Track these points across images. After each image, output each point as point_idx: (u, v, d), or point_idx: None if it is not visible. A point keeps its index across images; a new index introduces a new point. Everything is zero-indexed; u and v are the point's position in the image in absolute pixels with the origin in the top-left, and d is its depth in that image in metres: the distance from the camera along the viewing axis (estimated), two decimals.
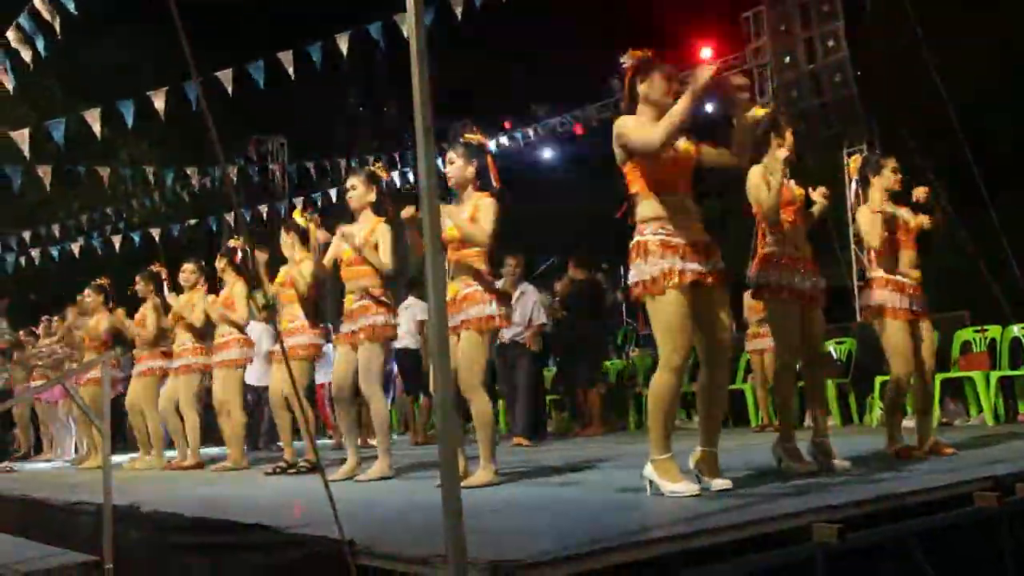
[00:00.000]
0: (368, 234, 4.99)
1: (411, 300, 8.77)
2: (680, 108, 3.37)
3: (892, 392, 4.67)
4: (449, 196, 4.46)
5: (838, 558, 2.68)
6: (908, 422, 5.05)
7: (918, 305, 4.70)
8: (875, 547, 2.88)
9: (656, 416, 3.47)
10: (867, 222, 4.70)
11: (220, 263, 6.68)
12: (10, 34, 7.75)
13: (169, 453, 7.34)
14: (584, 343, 8.79)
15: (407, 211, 4.33)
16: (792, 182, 4.41)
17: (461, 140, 4.46)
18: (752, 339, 8.20)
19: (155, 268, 7.52)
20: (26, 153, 8.63)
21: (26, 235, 13.17)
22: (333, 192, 12.48)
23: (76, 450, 9.36)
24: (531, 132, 14.27)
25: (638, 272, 3.48)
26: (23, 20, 7.63)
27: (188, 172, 12.23)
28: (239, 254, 6.68)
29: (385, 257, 4.96)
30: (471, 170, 4.40)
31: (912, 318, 4.67)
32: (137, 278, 7.49)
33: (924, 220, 4.83)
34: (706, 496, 3.33)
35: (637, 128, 3.53)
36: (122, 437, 9.48)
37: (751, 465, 4.42)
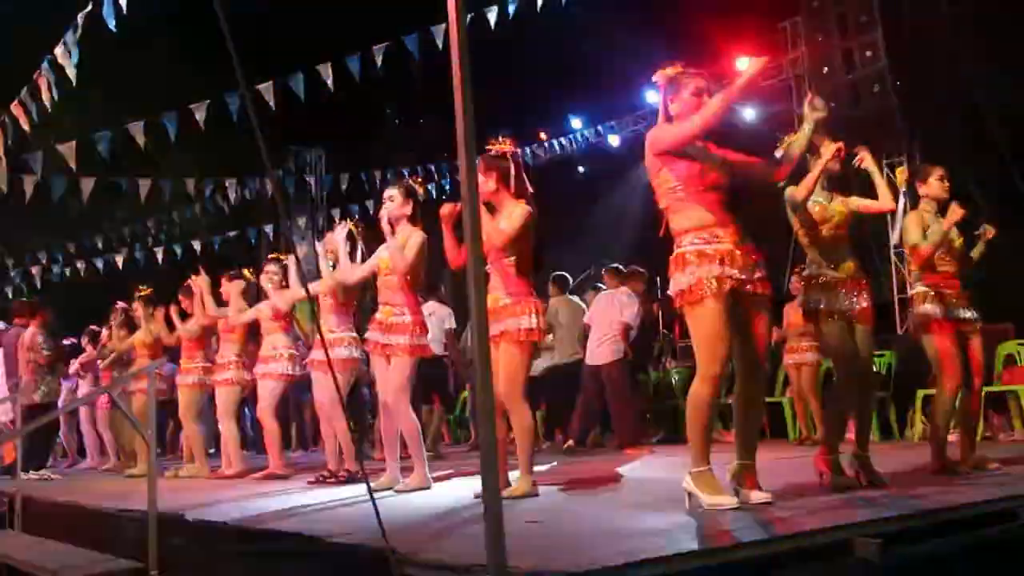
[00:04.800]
0: (403, 240, 5.05)
1: (433, 306, 8.64)
2: (721, 99, 3.38)
3: (940, 406, 4.61)
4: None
5: (880, 573, 2.66)
6: (951, 436, 4.98)
7: (965, 316, 4.64)
8: (917, 563, 2.85)
9: (694, 427, 3.46)
10: (912, 223, 4.66)
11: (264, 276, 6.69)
12: (57, 51, 7.94)
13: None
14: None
15: (445, 208, 4.43)
16: (838, 199, 4.36)
17: (482, 153, 4.50)
18: (790, 352, 8.13)
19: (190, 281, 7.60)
20: (72, 165, 8.83)
21: (71, 246, 13.44)
22: (370, 204, 12.59)
23: (118, 457, 9.48)
24: (567, 143, 14.31)
25: (676, 283, 3.49)
26: (68, 37, 7.82)
27: (228, 184, 12.43)
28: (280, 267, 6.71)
29: (409, 254, 4.98)
30: (491, 183, 4.41)
31: (959, 329, 4.62)
32: (181, 296, 7.60)
33: (974, 252, 4.82)
34: (745, 509, 3.32)
35: (672, 127, 3.55)
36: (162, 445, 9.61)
37: (790, 478, 4.39)
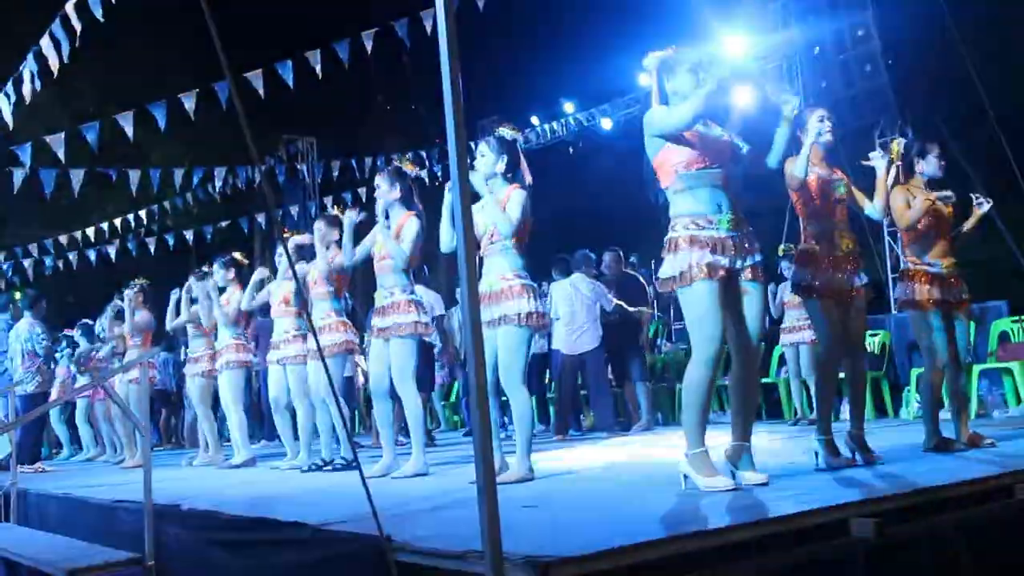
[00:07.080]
0: (398, 227, 5.04)
1: (421, 290, 8.49)
2: (709, 87, 3.39)
3: (928, 384, 4.62)
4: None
5: (876, 552, 2.66)
6: (945, 414, 4.99)
7: (952, 295, 4.64)
8: (914, 541, 2.85)
9: (690, 409, 3.46)
10: (897, 200, 4.65)
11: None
12: (43, 42, 7.87)
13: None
14: (632, 337, 8.58)
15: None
16: (839, 174, 4.36)
17: (494, 134, 4.49)
18: (787, 332, 8.13)
19: (206, 269, 7.52)
20: (61, 157, 8.76)
21: (63, 238, 13.37)
22: (363, 191, 12.54)
23: (116, 450, 9.46)
24: (559, 126, 14.27)
25: (668, 267, 3.49)
26: (55, 27, 7.74)
27: (216, 173, 12.37)
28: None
29: (404, 244, 4.99)
30: (501, 165, 4.41)
31: (946, 308, 4.61)
32: (193, 282, 7.54)
33: (965, 224, 4.81)
34: (741, 490, 3.32)
35: (667, 110, 3.55)
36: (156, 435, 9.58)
37: (786, 459, 4.40)
